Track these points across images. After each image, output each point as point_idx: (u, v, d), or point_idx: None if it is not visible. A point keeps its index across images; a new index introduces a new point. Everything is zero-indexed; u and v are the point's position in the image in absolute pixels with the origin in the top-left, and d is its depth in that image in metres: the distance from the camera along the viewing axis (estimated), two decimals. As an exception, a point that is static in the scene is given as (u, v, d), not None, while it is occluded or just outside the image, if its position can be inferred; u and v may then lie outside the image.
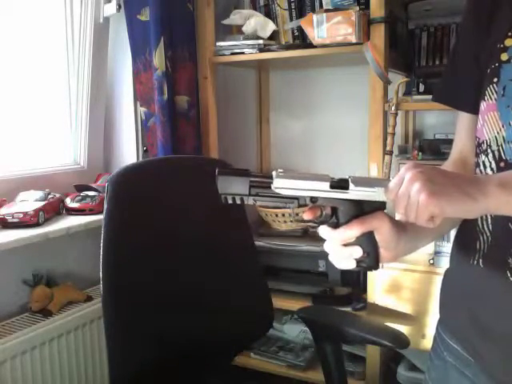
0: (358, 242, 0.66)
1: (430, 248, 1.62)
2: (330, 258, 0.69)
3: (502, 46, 0.72)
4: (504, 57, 0.71)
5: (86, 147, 1.86)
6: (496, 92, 0.72)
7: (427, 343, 1.55)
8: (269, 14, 1.91)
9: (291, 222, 1.85)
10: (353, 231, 0.65)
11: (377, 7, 1.57)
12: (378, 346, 1.59)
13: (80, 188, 1.72)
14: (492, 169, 0.74)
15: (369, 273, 1.66)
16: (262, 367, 1.90)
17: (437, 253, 1.55)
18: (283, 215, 1.91)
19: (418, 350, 1.59)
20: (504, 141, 0.71)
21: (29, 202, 1.51)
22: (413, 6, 1.78)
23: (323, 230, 0.67)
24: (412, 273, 1.58)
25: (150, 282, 1.13)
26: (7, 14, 1.59)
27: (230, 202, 0.63)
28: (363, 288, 1.71)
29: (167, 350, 1.14)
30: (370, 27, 1.59)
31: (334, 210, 0.66)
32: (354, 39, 1.58)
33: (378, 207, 0.66)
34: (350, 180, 0.64)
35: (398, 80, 1.63)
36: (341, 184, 0.64)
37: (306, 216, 0.67)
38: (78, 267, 1.72)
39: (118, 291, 1.08)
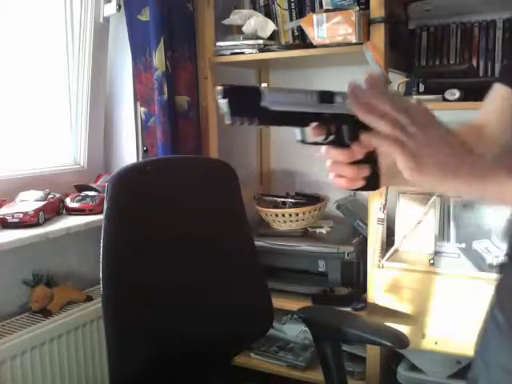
0: (365, 160, 0.64)
1: (430, 248, 1.62)
2: (335, 179, 0.66)
3: None
4: None
5: (86, 147, 1.86)
6: None
7: (427, 343, 1.56)
8: (269, 13, 1.91)
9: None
10: (362, 149, 0.62)
11: (377, 7, 1.57)
12: (377, 346, 1.59)
13: (80, 188, 1.72)
14: None
15: (369, 273, 1.66)
16: (262, 367, 1.90)
17: (437, 253, 1.55)
18: (283, 215, 1.91)
19: (418, 350, 1.59)
20: None
21: (29, 201, 1.51)
22: (413, 6, 1.78)
23: (330, 151, 0.64)
24: (412, 273, 1.58)
25: (149, 282, 1.13)
26: (7, 14, 1.59)
27: (239, 123, 0.58)
28: (363, 288, 1.71)
29: (167, 350, 1.14)
30: (370, 27, 1.59)
31: (339, 129, 0.63)
32: (353, 39, 1.58)
33: None
34: (335, 93, 0.62)
35: (398, 80, 1.63)
36: (328, 97, 0.62)
37: (312, 135, 0.64)
38: (78, 267, 1.72)
39: (118, 291, 1.08)
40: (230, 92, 0.57)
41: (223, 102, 0.57)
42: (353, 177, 0.65)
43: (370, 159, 0.64)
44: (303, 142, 0.64)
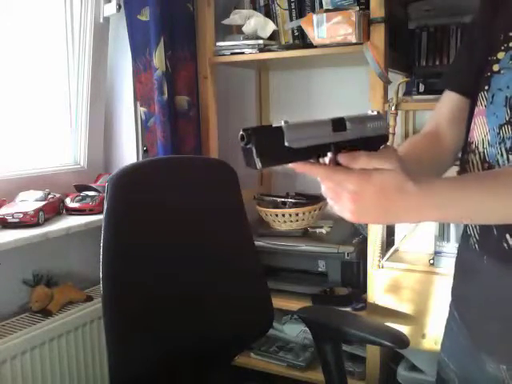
0: None
1: (430, 248, 1.62)
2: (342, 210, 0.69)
3: (494, 58, 0.79)
4: (495, 68, 0.79)
5: (86, 147, 1.86)
6: (486, 99, 0.79)
7: (427, 343, 1.55)
8: (269, 13, 1.91)
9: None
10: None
11: (377, 7, 1.57)
12: (377, 346, 1.59)
13: (80, 188, 1.72)
14: (478, 169, 0.81)
15: (369, 273, 1.66)
16: (262, 367, 1.90)
17: (437, 253, 1.55)
18: (283, 215, 1.91)
19: (418, 350, 1.59)
20: (488, 144, 0.78)
21: (29, 201, 1.51)
22: (413, 6, 1.78)
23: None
24: (412, 273, 1.58)
25: (150, 282, 1.13)
26: (7, 13, 1.59)
27: (268, 166, 0.57)
28: (363, 288, 1.71)
29: (167, 350, 1.14)
30: (370, 27, 1.59)
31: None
32: (354, 39, 1.58)
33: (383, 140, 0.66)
34: (345, 119, 0.63)
35: (398, 80, 1.63)
36: (340, 125, 0.62)
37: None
38: (78, 267, 1.72)
39: (118, 291, 1.08)
40: (254, 136, 0.55)
41: (248, 148, 0.55)
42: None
43: None
44: None
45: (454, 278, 0.92)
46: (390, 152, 0.64)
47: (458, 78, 0.91)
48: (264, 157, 0.56)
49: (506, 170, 0.75)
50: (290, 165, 0.61)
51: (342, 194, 0.63)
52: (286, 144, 0.57)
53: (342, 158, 0.62)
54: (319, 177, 0.63)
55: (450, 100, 0.90)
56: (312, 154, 0.61)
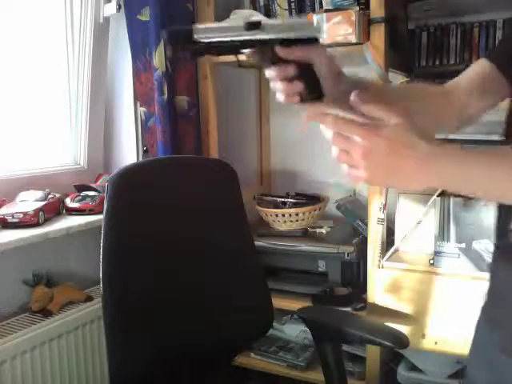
0: (298, 76, 0.71)
1: (430, 248, 1.62)
2: (278, 95, 0.74)
3: None
4: None
5: (86, 147, 1.86)
6: None
7: (427, 343, 1.56)
8: (269, 13, 1.91)
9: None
10: (290, 67, 0.69)
11: (377, 7, 1.57)
12: (378, 346, 1.59)
13: (80, 188, 1.72)
14: None
15: (369, 273, 1.66)
16: (262, 367, 1.90)
17: (437, 253, 1.55)
18: (283, 215, 1.91)
19: (418, 350, 1.59)
20: None
21: (29, 201, 1.51)
22: (413, 6, 1.78)
23: (268, 71, 0.72)
24: (412, 273, 1.58)
25: (149, 282, 1.13)
26: (7, 13, 1.59)
27: (176, 52, 0.72)
28: (363, 288, 1.71)
29: (167, 350, 1.14)
30: (370, 27, 1.59)
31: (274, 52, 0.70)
32: (354, 39, 1.58)
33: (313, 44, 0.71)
34: (261, 21, 0.69)
35: (398, 80, 1.63)
36: (254, 25, 0.69)
37: (253, 59, 0.73)
38: (78, 267, 1.72)
39: (118, 291, 1.08)
40: (167, 31, 0.70)
41: (165, 39, 0.71)
42: (287, 92, 0.72)
43: (304, 73, 0.71)
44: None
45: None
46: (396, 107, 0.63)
47: (498, 51, 0.89)
48: (173, 45, 0.74)
49: None
50: (303, 116, 0.68)
51: (353, 149, 0.62)
52: (195, 38, 0.69)
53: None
54: (329, 126, 0.65)
55: (480, 66, 0.88)
56: (222, 49, 0.70)
